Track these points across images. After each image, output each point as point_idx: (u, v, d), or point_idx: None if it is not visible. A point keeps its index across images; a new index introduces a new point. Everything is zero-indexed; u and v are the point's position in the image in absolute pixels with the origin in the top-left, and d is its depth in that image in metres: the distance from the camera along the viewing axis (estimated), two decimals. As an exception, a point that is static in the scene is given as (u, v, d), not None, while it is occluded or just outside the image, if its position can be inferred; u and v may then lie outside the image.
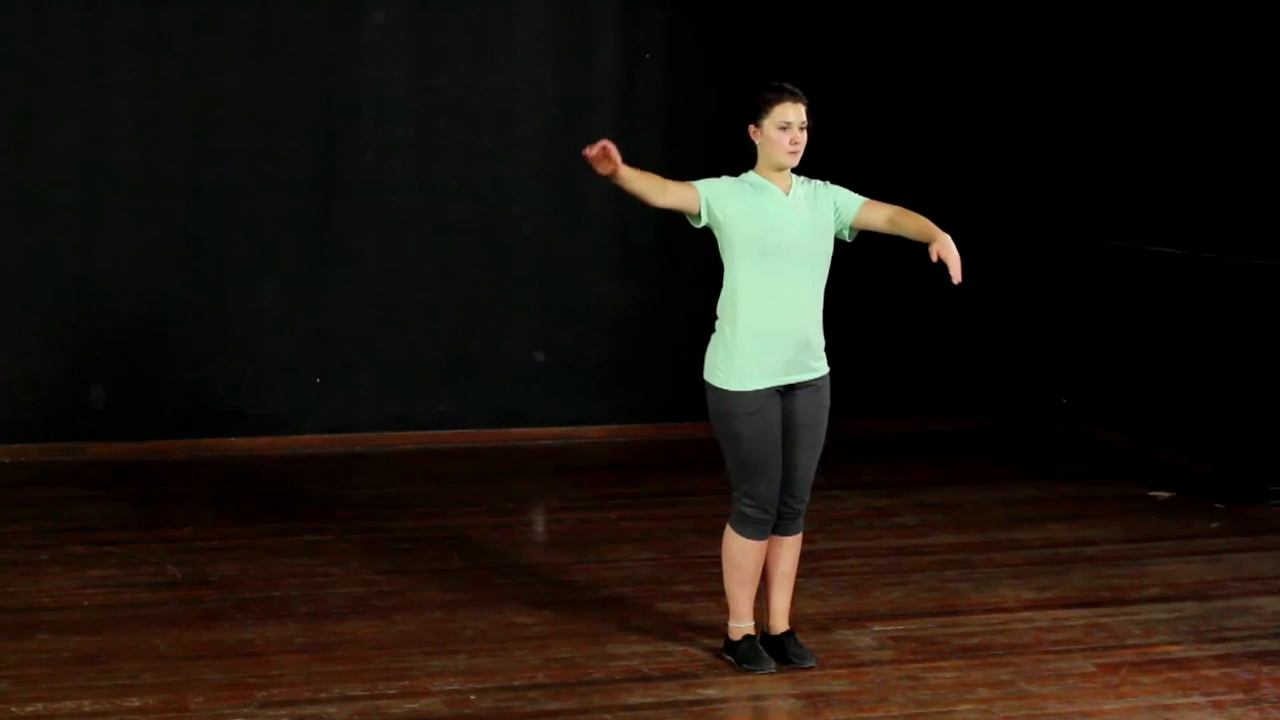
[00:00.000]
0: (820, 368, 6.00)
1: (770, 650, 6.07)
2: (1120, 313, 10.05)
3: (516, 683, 5.92)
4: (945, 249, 5.80)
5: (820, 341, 6.00)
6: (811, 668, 6.04)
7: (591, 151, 5.62)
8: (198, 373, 9.53)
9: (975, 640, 6.41)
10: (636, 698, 5.76)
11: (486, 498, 8.56)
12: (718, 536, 7.79)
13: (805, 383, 5.95)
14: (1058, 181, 10.48)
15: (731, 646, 6.09)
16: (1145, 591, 7.08)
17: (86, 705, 5.60)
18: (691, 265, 10.13)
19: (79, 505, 8.33)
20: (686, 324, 10.13)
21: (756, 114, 5.87)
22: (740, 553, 6.00)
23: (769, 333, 5.85)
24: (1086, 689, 5.92)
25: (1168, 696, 5.86)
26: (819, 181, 6.01)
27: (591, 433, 10.00)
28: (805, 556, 7.47)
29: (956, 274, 5.82)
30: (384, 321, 9.74)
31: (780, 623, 6.15)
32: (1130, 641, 6.43)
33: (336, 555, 7.47)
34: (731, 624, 6.11)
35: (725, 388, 5.88)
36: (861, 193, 6.03)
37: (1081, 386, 10.47)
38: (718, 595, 6.90)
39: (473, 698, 5.75)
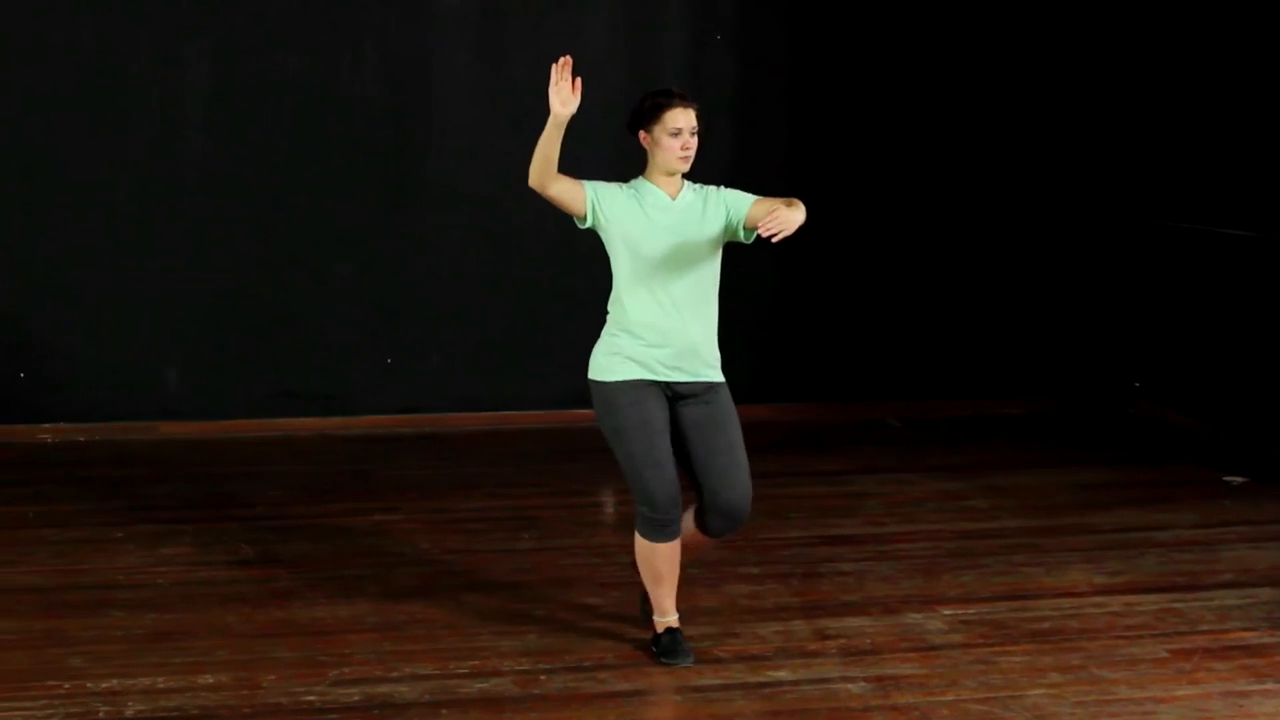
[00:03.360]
0: (709, 375, 5.84)
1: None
2: (1191, 296, 9.97)
3: (586, 663, 5.93)
4: (778, 215, 5.51)
5: (711, 351, 5.86)
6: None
7: (562, 69, 5.49)
8: (269, 354, 9.60)
9: (1046, 624, 6.38)
10: (705, 679, 5.76)
11: (556, 478, 8.58)
12: (784, 519, 7.85)
13: (692, 389, 5.82)
14: (1128, 163, 10.40)
15: (654, 639, 5.97)
16: (1219, 577, 7.02)
17: (160, 682, 5.65)
18: (758, 250, 10.13)
19: (152, 484, 8.40)
20: (753, 306, 10.18)
21: (647, 120, 5.77)
22: (646, 553, 5.87)
23: (649, 337, 5.75)
24: (1159, 674, 5.87)
25: (1241, 683, 5.80)
26: (712, 187, 5.89)
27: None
28: (874, 539, 7.53)
29: (767, 227, 5.48)
30: (453, 303, 9.77)
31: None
32: (1203, 627, 6.38)
33: (406, 535, 7.51)
34: (654, 617, 6.00)
35: (602, 379, 5.79)
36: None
37: (1153, 370, 10.39)
38: (786, 578, 6.91)
39: (543, 677, 5.77)
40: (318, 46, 9.51)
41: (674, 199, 5.82)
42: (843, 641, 6.16)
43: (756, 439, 9.52)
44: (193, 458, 9.00)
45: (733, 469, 5.86)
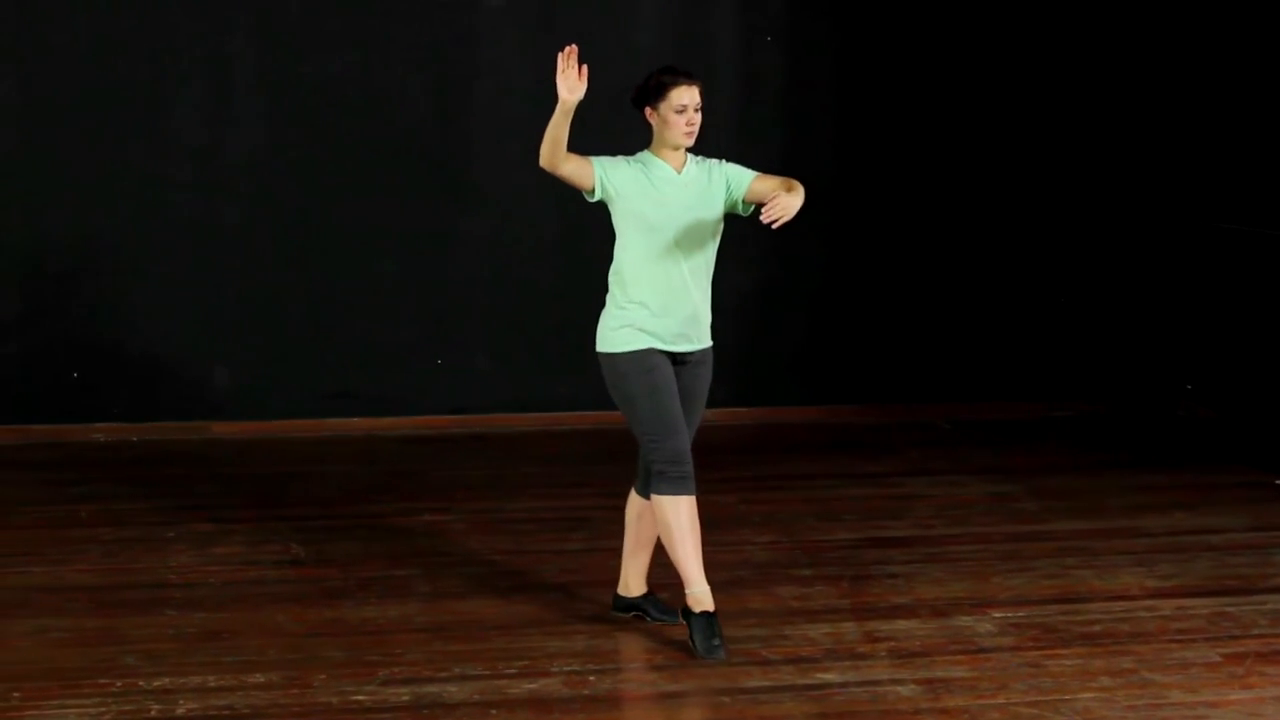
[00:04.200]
0: (704, 338, 6.14)
1: (631, 612, 6.31)
2: (1243, 298, 9.91)
3: (635, 664, 5.95)
4: (779, 200, 5.79)
5: (707, 316, 6.14)
6: (680, 622, 6.08)
7: (568, 58, 5.75)
8: (319, 354, 9.64)
9: (1097, 628, 6.35)
10: (754, 681, 5.76)
11: (605, 479, 8.58)
12: (834, 521, 7.84)
13: (690, 355, 6.09)
14: (1178, 165, 10.34)
15: (691, 619, 5.99)
16: (1271, 580, 6.97)
17: (212, 680, 5.68)
18: (806, 252, 10.14)
19: (203, 484, 8.45)
20: (803, 308, 10.17)
21: (653, 97, 6.01)
22: (671, 512, 5.95)
23: (656, 305, 6.01)
24: (1211, 679, 5.84)
25: (1294, 688, 5.78)
26: (714, 160, 6.16)
27: (710, 415, 9.93)
28: (924, 542, 7.51)
29: (769, 214, 5.77)
30: (503, 303, 9.79)
31: (638, 586, 6.32)
32: (1256, 631, 6.34)
33: (456, 535, 7.53)
34: (687, 592, 6.00)
35: (615, 351, 6.03)
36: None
37: (1204, 373, 10.33)
38: (836, 580, 6.91)
39: (591, 678, 5.78)
40: (366, 46, 9.54)
41: (679, 172, 6.07)
42: (892, 644, 6.15)
43: (806, 440, 9.61)
44: (244, 458, 9.04)
45: (694, 419, 6.14)
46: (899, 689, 5.71)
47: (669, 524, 5.98)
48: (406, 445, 9.42)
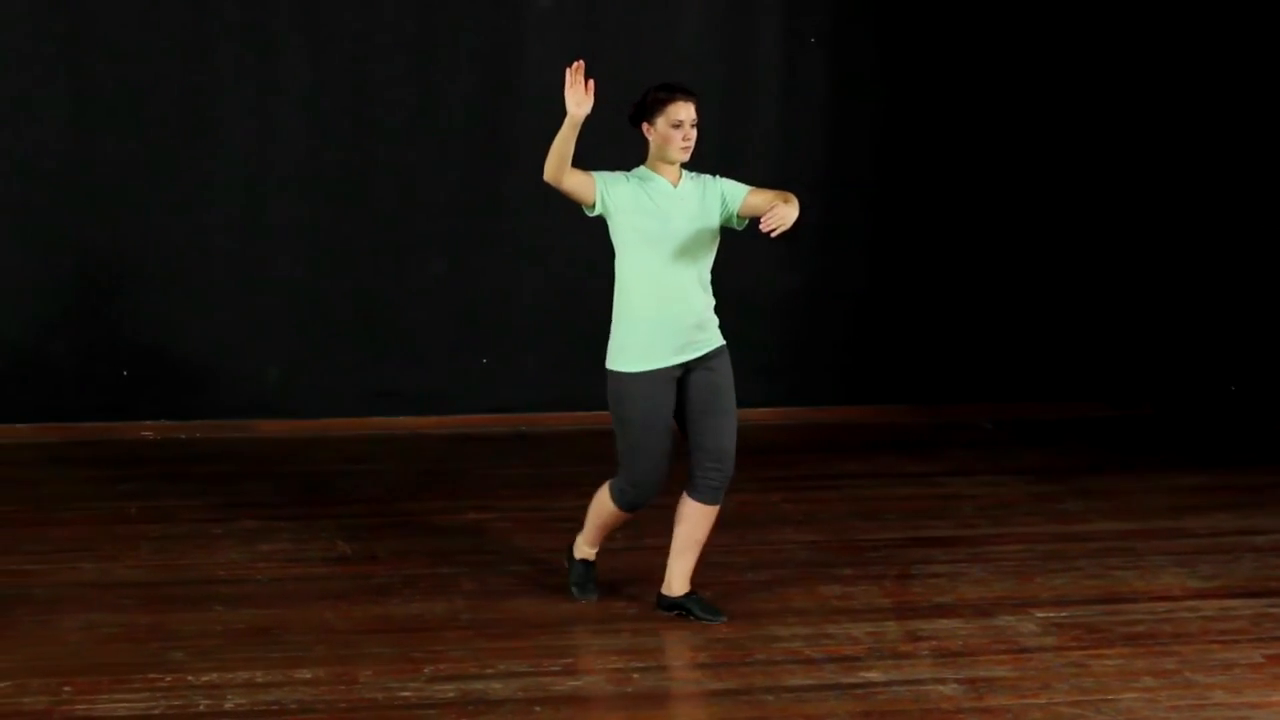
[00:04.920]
0: (712, 340, 6.25)
1: (674, 611, 6.41)
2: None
3: (678, 662, 5.98)
4: (776, 211, 5.95)
5: (712, 320, 6.26)
6: (723, 622, 6.27)
7: (576, 73, 5.88)
8: (366, 353, 9.70)
9: (1140, 628, 6.35)
10: (798, 679, 5.78)
11: (648, 479, 8.61)
12: (876, 521, 7.85)
13: (699, 359, 6.21)
14: (1231, 166, 10.31)
15: (571, 561, 6.63)
16: (1315, 582, 6.97)
17: (259, 676, 5.73)
18: (851, 252, 10.15)
19: (251, 481, 8.51)
20: (847, 308, 10.18)
21: (650, 113, 6.15)
22: (607, 515, 6.44)
23: (659, 318, 6.15)
24: (1254, 680, 5.84)
25: (1338, 689, 5.77)
26: (708, 175, 6.29)
27: (753, 415, 9.98)
28: (967, 542, 7.51)
29: (768, 224, 5.94)
30: (548, 303, 9.83)
31: (681, 585, 6.40)
32: (1300, 633, 6.34)
33: (501, 533, 7.58)
34: (580, 543, 6.60)
35: (621, 370, 6.18)
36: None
37: (1249, 373, 10.30)
38: (879, 580, 6.92)
39: (635, 676, 5.81)
40: (414, 48, 9.59)
41: (675, 186, 6.21)
42: (935, 643, 6.16)
43: (848, 440, 9.62)
44: (291, 455, 9.11)
45: (725, 421, 6.25)
46: (941, 688, 5.73)
47: (601, 517, 6.47)
48: (452, 444, 9.46)
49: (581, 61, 5.89)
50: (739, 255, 9.87)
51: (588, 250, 9.81)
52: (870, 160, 10.04)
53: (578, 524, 7.72)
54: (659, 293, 6.14)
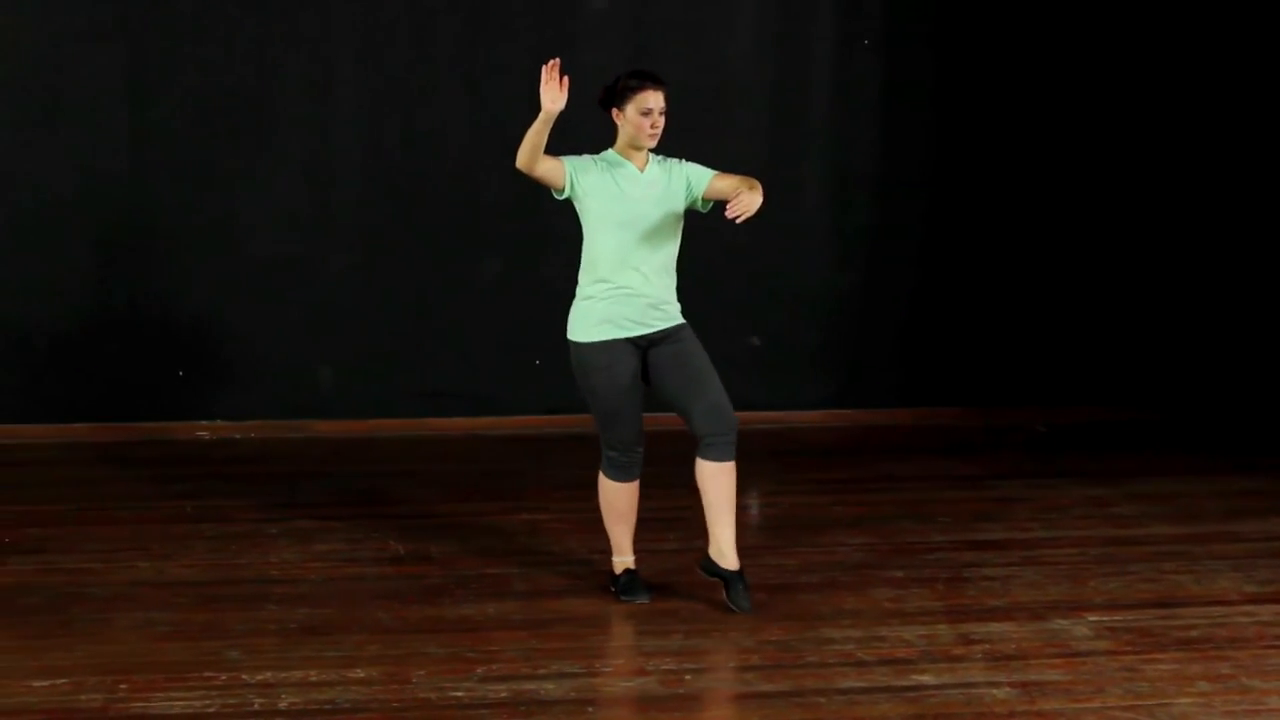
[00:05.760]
0: (671, 318, 6.44)
1: (713, 577, 6.52)
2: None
3: (730, 664, 5.98)
4: (741, 198, 6.14)
5: (672, 301, 6.47)
6: (747, 612, 6.38)
7: (551, 70, 6.09)
8: (420, 355, 9.74)
9: (1194, 633, 6.32)
10: (850, 682, 5.78)
11: (700, 480, 8.61)
12: (929, 523, 7.84)
13: (660, 335, 6.40)
14: (1257, 167, 10.25)
15: (614, 579, 6.68)
16: (1372, 587, 6.93)
17: (313, 675, 5.77)
18: (903, 255, 10.14)
19: (305, 481, 8.56)
20: (899, 310, 10.17)
21: (620, 99, 6.35)
22: (611, 494, 6.62)
23: (619, 294, 6.36)
24: (1309, 685, 5.82)
25: (1394, 694, 5.73)
26: (674, 159, 6.48)
27: (805, 417, 10.03)
28: (1020, 545, 7.49)
29: (733, 210, 6.13)
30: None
31: (730, 559, 6.47)
32: (1355, 638, 6.30)
33: (554, 534, 7.60)
34: (614, 558, 6.70)
35: (580, 340, 6.41)
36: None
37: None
38: (931, 582, 6.91)
39: (687, 677, 5.82)
40: (466, 49, 9.63)
41: (642, 171, 6.42)
42: (987, 646, 6.15)
43: (901, 442, 9.60)
44: (345, 456, 9.16)
45: (706, 379, 6.40)
46: (994, 691, 5.72)
47: (609, 504, 6.63)
48: (505, 445, 9.50)
49: (557, 60, 6.08)
50: (794, 257, 9.97)
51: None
52: (922, 162, 10.03)
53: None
54: (621, 273, 6.34)
